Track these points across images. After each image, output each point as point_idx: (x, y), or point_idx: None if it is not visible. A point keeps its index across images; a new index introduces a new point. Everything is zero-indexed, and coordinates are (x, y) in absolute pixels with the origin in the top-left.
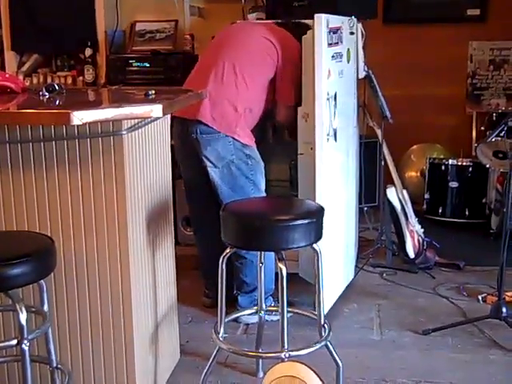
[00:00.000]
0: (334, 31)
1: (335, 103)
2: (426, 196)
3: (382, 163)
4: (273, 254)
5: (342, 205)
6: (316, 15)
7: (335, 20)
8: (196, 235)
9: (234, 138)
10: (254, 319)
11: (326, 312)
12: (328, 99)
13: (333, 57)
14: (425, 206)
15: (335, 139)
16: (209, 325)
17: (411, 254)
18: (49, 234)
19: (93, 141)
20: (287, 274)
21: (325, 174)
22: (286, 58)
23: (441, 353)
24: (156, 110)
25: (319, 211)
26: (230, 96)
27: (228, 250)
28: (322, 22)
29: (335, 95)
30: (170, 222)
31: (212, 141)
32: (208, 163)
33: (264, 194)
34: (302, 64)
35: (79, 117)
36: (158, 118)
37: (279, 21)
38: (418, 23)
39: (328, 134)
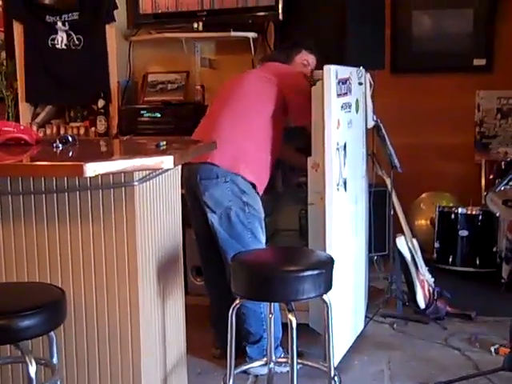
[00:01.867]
0: (343, 82)
1: (345, 153)
2: (436, 245)
3: (392, 212)
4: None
5: (351, 254)
6: (325, 66)
7: (344, 71)
8: (206, 284)
9: (234, 182)
10: (264, 371)
11: (336, 364)
12: (338, 149)
13: (342, 107)
14: (435, 255)
15: (345, 189)
16: (218, 376)
17: (422, 305)
18: (59, 285)
19: (105, 192)
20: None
21: (335, 223)
22: (285, 83)
23: None
24: (167, 161)
25: (329, 262)
26: (236, 140)
27: (237, 301)
28: (331, 73)
29: (345, 145)
30: (180, 272)
31: (210, 186)
32: (207, 209)
33: (263, 244)
34: (312, 114)
35: (92, 169)
36: (169, 169)
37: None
38: (426, 73)
39: (338, 184)
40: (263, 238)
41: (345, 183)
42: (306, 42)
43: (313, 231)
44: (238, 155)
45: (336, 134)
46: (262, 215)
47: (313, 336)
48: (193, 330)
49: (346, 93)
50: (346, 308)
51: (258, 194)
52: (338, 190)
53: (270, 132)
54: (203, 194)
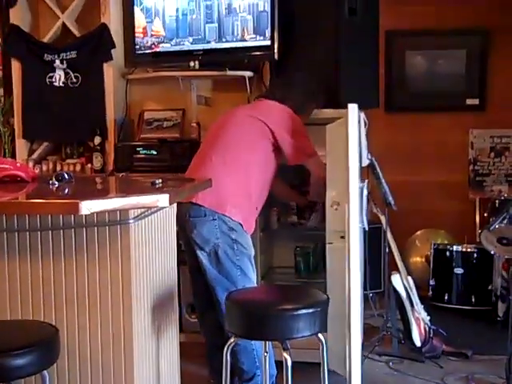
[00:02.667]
0: None
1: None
2: (432, 282)
3: (387, 249)
4: None
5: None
6: (349, 105)
7: None
8: (199, 321)
9: (221, 220)
10: None
11: None
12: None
13: None
14: (430, 293)
15: (366, 227)
16: None
17: (417, 343)
18: (53, 323)
19: (100, 229)
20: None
21: (357, 261)
22: (276, 124)
23: None
24: (162, 199)
25: (324, 301)
26: (224, 181)
27: (232, 340)
28: (356, 112)
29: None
30: (174, 309)
31: (198, 223)
32: (196, 246)
33: (253, 282)
34: (327, 153)
35: (87, 206)
36: (165, 207)
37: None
38: (420, 111)
39: (360, 223)
40: (254, 276)
41: (364, 221)
42: (323, 88)
43: (332, 270)
44: (225, 196)
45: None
46: (252, 252)
47: (307, 373)
48: (187, 366)
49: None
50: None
51: (246, 232)
52: (359, 228)
53: (259, 172)
54: (192, 232)
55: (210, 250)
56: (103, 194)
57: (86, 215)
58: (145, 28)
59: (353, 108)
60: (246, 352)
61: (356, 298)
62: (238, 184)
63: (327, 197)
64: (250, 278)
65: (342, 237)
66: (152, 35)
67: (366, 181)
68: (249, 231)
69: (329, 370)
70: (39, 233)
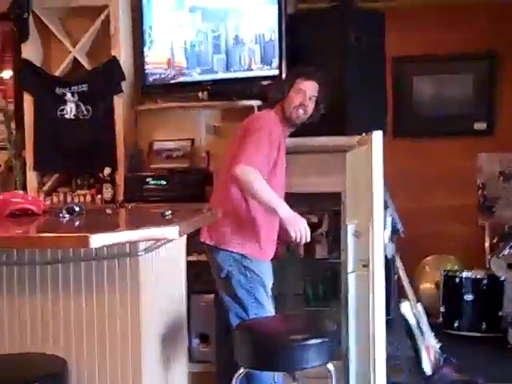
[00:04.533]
0: None
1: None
2: (442, 309)
3: (395, 277)
4: None
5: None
6: (375, 132)
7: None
8: (216, 349)
9: (229, 252)
10: None
11: None
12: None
13: None
14: (441, 319)
15: (389, 254)
16: None
17: (428, 371)
18: (62, 356)
19: (109, 262)
20: None
21: (380, 290)
22: (244, 129)
23: None
24: (172, 231)
25: (332, 330)
26: (226, 210)
27: (241, 371)
28: (380, 139)
29: None
30: (184, 340)
31: (214, 251)
32: (213, 273)
33: (268, 310)
34: (347, 181)
35: (97, 240)
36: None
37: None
38: (427, 137)
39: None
40: (269, 303)
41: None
42: (301, 70)
43: (356, 299)
44: (226, 230)
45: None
46: (267, 279)
47: None
48: None
49: None
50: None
51: (260, 260)
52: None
53: None
54: (209, 259)
55: (225, 276)
56: (113, 226)
57: (95, 248)
58: (169, 60)
59: (377, 135)
60: (255, 379)
61: (381, 326)
62: (234, 211)
63: (348, 226)
64: (264, 305)
65: (365, 265)
66: (175, 66)
67: (388, 209)
68: (264, 259)
69: None
70: (49, 266)
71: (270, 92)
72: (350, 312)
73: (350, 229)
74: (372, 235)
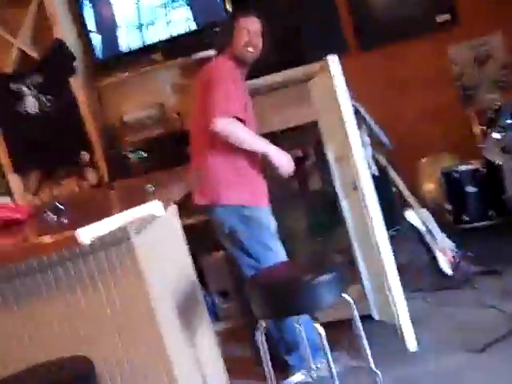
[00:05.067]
0: None
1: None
2: (447, 207)
3: (394, 189)
4: None
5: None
6: (329, 56)
7: None
8: (241, 305)
9: (225, 207)
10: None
11: None
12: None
13: None
14: (449, 217)
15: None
16: None
17: (448, 271)
18: (88, 355)
19: (107, 251)
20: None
21: (376, 207)
22: (208, 85)
23: (504, 369)
24: (157, 207)
25: (337, 262)
26: (208, 168)
27: (262, 324)
28: (337, 62)
29: None
30: (200, 303)
31: (211, 211)
32: (217, 232)
33: (279, 252)
34: (321, 108)
35: (85, 235)
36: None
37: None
38: (393, 42)
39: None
40: (278, 246)
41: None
42: (237, 12)
43: (355, 223)
44: (214, 185)
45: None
46: (271, 224)
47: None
48: (231, 352)
49: None
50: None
51: (258, 205)
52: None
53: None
54: (211, 221)
55: (228, 232)
56: (98, 217)
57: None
58: (115, 29)
59: (333, 59)
60: (285, 323)
61: (384, 240)
62: (219, 165)
63: (329, 154)
64: (273, 249)
65: (355, 188)
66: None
67: (363, 127)
68: (261, 203)
69: (375, 321)
70: (49, 270)
71: (216, 39)
72: (351, 237)
73: (331, 156)
74: (353, 157)
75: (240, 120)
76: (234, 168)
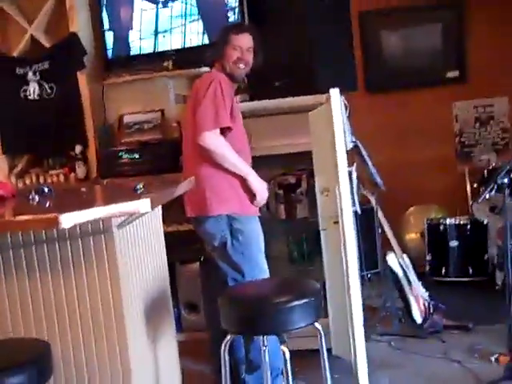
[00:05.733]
0: None
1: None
2: (428, 257)
3: (379, 230)
4: None
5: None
6: (332, 90)
7: None
8: (209, 316)
9: (216, 218)
10: None
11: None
12: (349, 172)
13: None
14: (428, 268)
15: (358, 210)
16: None
17: (418, 320)
18: (45, 338)
19: (84, 240)
20: (295, 351)
21: (352, 245)
22: (197, 97)
23: None
24: (144, 205)
25: (317, 289)
26: (197, 174)
27: (228, 337)
28: (338, 96)
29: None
30: (169, 311)
31: (202, 222)
32: (206, 245)
33: (263, 267)
34: (312, 140)
35: (68, 219)
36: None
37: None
38: (400, 89)
39: (353, 206)
40: (264, 262)
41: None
42: (231, 25)
43: (328, 256)
44: (203, 196)
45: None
46: (259, 236)
47: (312, 362)
48: (189, 365)
49: None
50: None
51: (248, 215)
52: (352, 211)
53: None
54: (200, 231)
55: (218, 244)
56: (83, 205)
57: (68, 228)
58: (130, 31)
59: (335, 92)
60: (255, 344)
61: (355, 279)
62: (211, 176)
63: (316, 184)
64: (259, 264)
65: (336, 222)
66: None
67: (355, 164)
68: (251, 212)
69: (334, 356)
70: (22, 249)
71: (207, 54)
72: (325, 269)
73: (318, 186)
74: (339, 191)
75: (228, 128)
76: (226, 178)
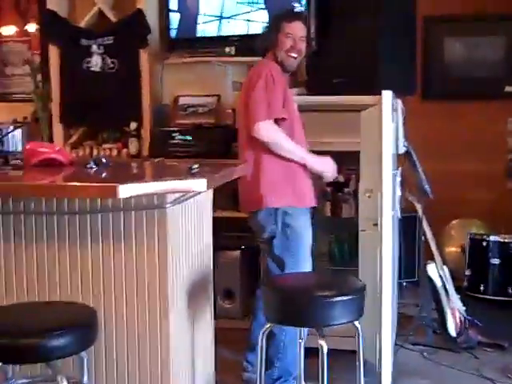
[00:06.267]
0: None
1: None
2: (467, 272)
3: (422, 238)
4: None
5: (391, 280)
6: (384, 92)
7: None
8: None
9: (269, 211)
10: None
11: None
12: (393, 175)
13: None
14: (466, 283)
15: (399, 215)
16: None
17: (453, 333)
18: (90, 305)
19: (137, 214)
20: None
21: (389, 249)
22: (250, 86)
23: None
24: (200, 184)
25: (361, 288)
26: (254, 170)
27: (268, 325)
28: (390, 99)
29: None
30: (210, 296)
31: (255, 215)
32: (256, 237)
33: (305, 266)
34: (362, 140)
35: (125, 190)
36: (202, 191)
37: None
38: (457, 99)
39: (392, 210)
40: (307, 260)
41: (398, 209)
42: (283, 13)
43: (364, 258)
44: (258, 190)
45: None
46: (307, 233)
47: (342, 363)
48: (221, 352)
49: (393, 119)
50: (391, 336)
51: (303, 208)
52: (392, 216)
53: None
54: (252, 224)
55: (267, 237)
56: (141, 178)
57: (123, 199)
58: (195, 13)
59: (387, 94)
60: (274, 341)
61: (387, 285)
62: (268, 168)
63: (360, 184)
64: (301, 263)
65: (375, 224)
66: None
67: (400, 168)
68: (306, 204)
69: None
70: (77, 216)
71: (258, 42)
72: (359, 270)
73: (362, 187)
74: (381, 194)
75: (283, 119)
76: (281, 171)
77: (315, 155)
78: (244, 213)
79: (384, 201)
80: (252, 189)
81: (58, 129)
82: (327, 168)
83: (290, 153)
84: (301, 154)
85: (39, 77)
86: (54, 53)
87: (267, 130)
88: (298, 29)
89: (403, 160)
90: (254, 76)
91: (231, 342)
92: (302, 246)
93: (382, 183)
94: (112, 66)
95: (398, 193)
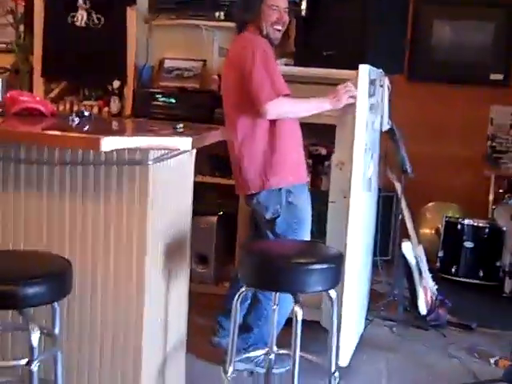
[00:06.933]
0: (372, 82)
1: (370, 154)
2: (440, 254)
3: (400, 217)
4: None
5: (362, 254)
6: (361, 66)
7: (373, 72)
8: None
9: (273, 188)
10: (262, 370)
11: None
12: (365, 150)
13: (369, 108)
14: (438, 264)
15: (369, 189)
16: (216, 364)
17: (423, 311)
18: (66, 256)
19: (118, 168)
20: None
21: (356, 223)
22: (242, 65)
23: None
24: (185, 143)
25: (338, 257)
26: (243, 156)
27: (243, 289)
28: (367, 73)
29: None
30: (186, 257)
31: (255, 196)
32: (258, 218)
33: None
34: (338, 114)
35: (108, 143)
36: (186, 151)
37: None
38: (442, 82)
39: (363, 184)
40: (308, 234)
41: (368, 184)
42: None
43: (332, 229)
44: (254, 172)
45: (365, 135)
46: (308, 209)
47: (322, 335)
48: (193, 316)
49: (374, 94)
50: (354, 307)
51: (301, 184)
52: (362, 190)
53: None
54: (251, 205)
55: (270, 217)
56: (123, 133)
57: (105, 153)
58: None
59: (364, 68)
60: (258, 308)
61: (352, 258)
62: (259, 150)
63: (333, 158)
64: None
65: (345, 197)
66: None
67: (382, 145)
68: (303, 180)
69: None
70: (58, 167)
71: (237, 14)
72: (327, 240)
73: (334, 159)
74: (352, 164)
75: (287, 95)
76: (273, 148)
77: (324, 97)
78: (241, 194)
79: (354, 173)
80: (248, 171)
81: (38, 82)
82: (344, 98)
83: (308, 112)
84: (317, 105)
85: (22, 27)
86: (38, 4)
87: (276, 109)
88: (283, 1)
89: (386, 138)
90: (244, 52)
91: (203, 307)
92: (304, 221)
93: (353, 156)
94: (97, 22)
95: (375, 168)
